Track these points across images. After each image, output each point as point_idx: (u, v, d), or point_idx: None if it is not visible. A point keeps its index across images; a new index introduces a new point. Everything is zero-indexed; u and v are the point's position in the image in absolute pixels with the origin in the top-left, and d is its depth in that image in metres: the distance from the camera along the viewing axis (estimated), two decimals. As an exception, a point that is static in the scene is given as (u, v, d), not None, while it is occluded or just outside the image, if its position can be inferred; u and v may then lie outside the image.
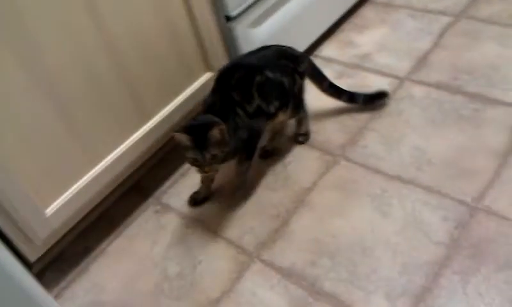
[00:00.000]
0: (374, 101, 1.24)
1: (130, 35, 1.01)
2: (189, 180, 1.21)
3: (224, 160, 1.02)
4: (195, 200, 1.17)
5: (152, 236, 1.11)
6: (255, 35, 1.26)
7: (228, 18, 1.19)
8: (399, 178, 1.07)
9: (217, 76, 1.08)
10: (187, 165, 1.24)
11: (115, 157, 1.06)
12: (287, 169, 1.17)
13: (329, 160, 1.16)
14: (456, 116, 1.16)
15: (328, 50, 1.46)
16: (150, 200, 1.20)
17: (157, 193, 1.21)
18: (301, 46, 1.38)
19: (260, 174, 1.17)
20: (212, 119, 0.99)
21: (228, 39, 1.21)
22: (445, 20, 1.44)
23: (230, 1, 1.16)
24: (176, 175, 1.24)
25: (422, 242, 0.95)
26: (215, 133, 0.96)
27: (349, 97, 1.23)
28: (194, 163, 1.01)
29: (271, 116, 1.10)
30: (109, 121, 1.03)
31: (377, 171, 1.10)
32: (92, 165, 1.03)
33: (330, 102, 1.25)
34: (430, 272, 0.91)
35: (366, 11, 1.57)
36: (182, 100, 1.15)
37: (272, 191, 1.14)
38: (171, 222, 1.13)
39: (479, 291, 0.86)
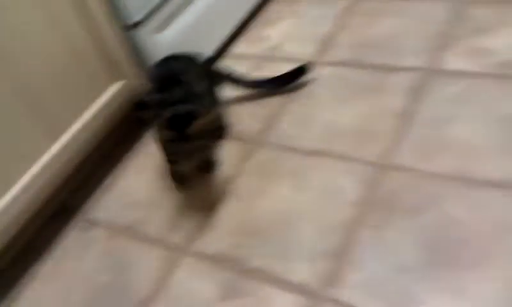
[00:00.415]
0: (296, 77, 1.30)
1: (28, 54, 1.02)
2: (114, 191, 1.23)
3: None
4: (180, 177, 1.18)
5: (80, 253, 1.12)
6: (162, 40, 1.29)
7: (131, 26, 1.21)
8: (313, 153, 1.13)
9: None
10: (110, 178, 1.26)
11: (25, 181, 1.04)
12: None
13: (249, 148, 1.21)
14: (360, 88, 1.24)
15: (240, 47, 1.52)
16: (77, 218, 1.20)
17: (84, 210, 1.21)
18: (211, 46, 1.44)
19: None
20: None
21: (134, 47, 1.23)
22: (344, 2, 1.54)
23: (129, 9, 1.18)
24: (102, 188, 1.25)
25: (336, 205, 1.01)
26: (196, 126, 0.97)
27: (271, 84, 1.30)
28: (176, 156, 1.05)
29: None
30: (13, 147, 1.02)
31: (293, 150, 1.16)
32: (2, 192, 1.01)
33: (243, 93, 1.31)
34: (346, 230, 0.96)
35: (273, 6, 1.64)
36: (92, 113, 1.16)
37: (197, 185, 1.17)
38: (99, 236, 1.14)
39: (393, 239, 0.92)
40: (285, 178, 1.11)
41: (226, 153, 1.21)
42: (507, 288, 0.79)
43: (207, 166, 1.18)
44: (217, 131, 1.22)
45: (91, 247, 1.12)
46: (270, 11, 1.63)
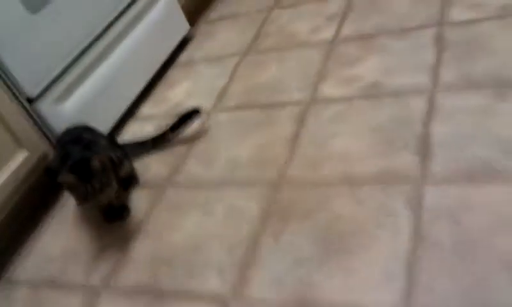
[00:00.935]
0: (189, 119, 1.42)
1: None
2: (33, 252, 1.25)
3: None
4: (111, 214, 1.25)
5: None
6: (64, 110, 1.37)
7: (31, 99, 1.29)
8: (217, 185, 1.23)
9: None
10: (29, 241, 1.28)
11: None
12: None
13: (158, 191, 1.29)
14: (254, 125, 1.38)
15: (145, 109, 1.64)
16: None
17: (4, 275, 1.23)
18: (114, 112, 1.54)
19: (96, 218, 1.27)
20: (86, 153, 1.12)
21: (36, 118, 1.31)
22: (235, 59, 1.72)
23: (26, 83, 1.26)
24: (21, 251, 1.27)
25: (240, 224, 1.11)
26: (96, 161, 1.07)
27: (171, 132, 1.42)
28: (87, 198, 1.08)
29: None
30: None
31: (200, 187, 1.25)
32: None
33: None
34: (249, 242, 1.05)
35: (172, 71, 1.79)
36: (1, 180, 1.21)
37: (110, 230, 1.23)
38: (21, 294, 1.15)
39: (291, 241, 1.02)
40: (193, 211, 1.19)
41: (137, 199, 1.29)
42: (388, 264, 0.91)
43: (120, 212, 1.25)
44: (128, 181, 1.31)
45: (15, 305, 1.14)
46: (170, 75, 1.78)
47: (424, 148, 1.10)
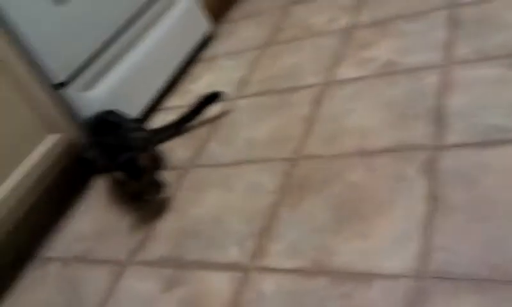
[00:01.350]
0: (209, 103, 1.49)
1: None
2: (65, 232, 1.31)
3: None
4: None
5: (37, 286, 1.18)
6: (91, 97, 1.44)
7: (58, 85, 1.36)
8: (237, 163, 1.28)
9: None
10: (61, 221, 1.35)
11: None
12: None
13: (182, 172, 1.34)
14: (272, 108, 1.42)
15: (169, 101, 1.70)
16: (32, 260, 1.27)
17: (38, 252, 1.29)
18: (140, 102, 1.60)
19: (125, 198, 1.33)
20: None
21: (64, 104, 1.38)
22: (256, 52, 1.77)
23: (54, 70, 1.33)
24: (53, 231, 1.33)
25: (258, 197, 1.14)
26: (143, 159, 1.18)
27: (193, 114, 1.49)
28: (139, 194, 1.20)
29: None
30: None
31: (220, 165, 1.30)
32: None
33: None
34: (268, 212, 1.09)
35: (196, 67, 1.85)
36: (27, 166, 1.27)
37: (138, 209, 1.27)
38: (53, 269, 1.22)
39: (307, 210, 1.05)
40: (214, 188, 1.24)
41: (165, 180, 1.33)
42: (403, 227, 0.93)
43: (156, 189, 1.28)
44: (158, 165, 1.37)
45: (47, 279, 1.20)
46: (194, 70, 1.83)
47: (439, 119, 1.12)
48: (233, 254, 1.04)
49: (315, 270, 0.93)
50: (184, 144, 1.45)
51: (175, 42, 1.78)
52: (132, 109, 1.55)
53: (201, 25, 1.93)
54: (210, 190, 1.24)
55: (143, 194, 1.25)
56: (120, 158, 1.20)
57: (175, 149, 1.44)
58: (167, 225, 1.20)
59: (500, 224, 0.85)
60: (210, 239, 1.10)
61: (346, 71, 1.43)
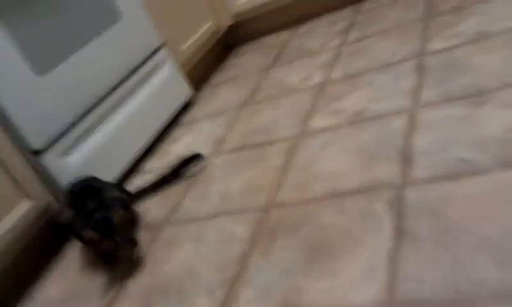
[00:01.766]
0: (189, 163, 1.51)
1: None
2: (35, 299, 1.27)
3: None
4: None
5: None
6: (69, 163, 1.45)
7: (37, 151, 1.37)
8: (210, 217, 1.26)
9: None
10: (31, 284, 1.31)
11: None
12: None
13: (156, 231, 1.32)
14: (247, 162, 1.43)
15: (148, 164, 1.71)
16: None
17: None
18: (118, 167, 1.61)
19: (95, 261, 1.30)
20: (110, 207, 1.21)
21: (40, 170, 1.38)
22: (233, 112, 1.81)
23: (31, 136, 1.35)
24: (23, 299, 1.29)
25: (231, 246, 1.12)
26: (117, 217, 1.17)
27: (172, 176, 1.50)
28: (113, 252, 1.20)
29: None
30: None
31: (194, 220, 1.28)
32: None
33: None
34: (240, 261, 1.06)
35: (176, 131, 1.88)
36: (4, 228, 1.26)
37: (108, 271, 1.24)
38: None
39: (278, 255, 1.03)
40: (187, 243, 1.21)
41: (139, 238, 1.30)
42: (371, 262, 0.91)
43: (130, 247, 1.25)
44: (134, 223, 1.36)
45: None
46: (174, 133, 1.87)
47: (406, 157, 1.12)
48: (202, 304, 1.00)
49: (284, 314, 0.89)
50: (159, 203, 1.45)
51: (156, 107, 1.83)
52: (109, 172, 1.57)
53: (183, 90, 1.99)
54: (182, 245, 1.22)
55: (116, 253, 1.23)
56: (95, 217, 1.19)
57: (150, 209, 1.44)
58: (138, 284, 1.16)
59: (463, 252, 0.83)
60: (180, 293, 1.06)
61: (319, 122, 1.46)
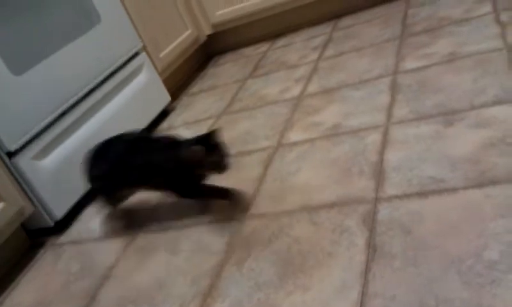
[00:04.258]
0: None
1: None
2: (6, 302, 1.26)
3: None
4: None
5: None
6: (42, 166, 1.43)
7: (10, 153, 1.36)
8: (186, 226, 1.26)
9: None
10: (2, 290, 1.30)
11: None
12: (90, 255, 1.31)
13: (130, 239, 1.31)
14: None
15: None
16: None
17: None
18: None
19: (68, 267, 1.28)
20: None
21: (13, 173, 1.36)
22: (210, 121, 1.82)
23: (7, 137, 1.34)
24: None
25: (204, 257, 1.13)
26: (217, 134, 1.18)
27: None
28: (213, 169, 1.18)
29: None
30: None
31: (169, 229, 1.28)
32: None
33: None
34: (213, 273, 1.07)
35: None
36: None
37: (80, 279, 1.24)
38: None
39: (252, 267, 1.04)
40: (161, 251, 1.21)
41: (107, 248, 1.31)
42: (343, 277, 0.93)
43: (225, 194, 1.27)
44: None
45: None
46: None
47: (379, 173, 1.15)
48: (174, 316, 1.00)
49: (256, 327, 0.90)
50: (134, 209, 1.44)
51: (133, 113, 1.82)
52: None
53: (161, 97, 1.99)
54: (155, 254, 1.21)
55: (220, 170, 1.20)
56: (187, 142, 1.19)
57: (123, 217, 1.43)
58: (108, 293, 1.15)
59: (432, 268, 0.85)
60: (152, 304, 1.06)
61: (295, 134, 1.48)
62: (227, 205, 1.26)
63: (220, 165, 1.19)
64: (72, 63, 1.60)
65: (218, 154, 1.18)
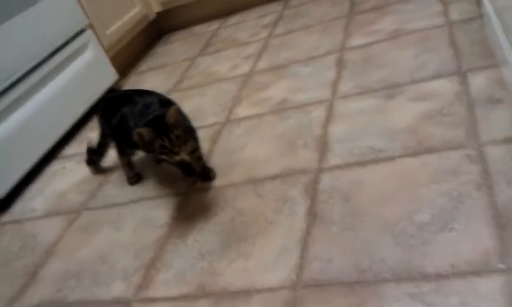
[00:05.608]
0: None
1: None
2: None
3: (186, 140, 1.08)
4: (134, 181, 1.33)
5: None
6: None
7: None
8: (130, 202, 1.25)
9: None
10: None
11: None
12: (32, 233, 1.27)
13: (74, 216, 1.28)
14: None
15: (70, 148, 1.66)
16: None
17: None
18: (35, 153, 1.54)
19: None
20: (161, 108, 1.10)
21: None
22: (163, 90, 1.78)
23: None
24: None
25: (149, 231, 1.12)
26: (170, 115, 1.04)
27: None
28: (163, 151, 1.04)
29: None
30: None
31: (114, 205, 1.26)
32: None
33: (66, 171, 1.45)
34: (157, 245, 1.06)
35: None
36: None
37: (19, 257, 1.21)
38: None
39: (194, 239, 1.04)
40: (105, 228, 1.19)
41: (50, 225, 1.28)
42: (284, 244, 0.94)
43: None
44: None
45: None
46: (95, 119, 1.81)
47: (322, 145, 1.17)
48: (117, 289, 0.99)
49: (198, 295, 0.90)
50: (78, 187, 1.41)
51: (78, 91, 1.76)
52: (26, 157, 1.50)
53: (108, 75, 1.93)
54: (100, 230, 1.19)
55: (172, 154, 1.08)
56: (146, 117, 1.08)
57: (67, 195, 1.40)
58: (51, 270, 1.13)
59: (368, 232, 0.88)
60: (96, 278, 1.04)
61: (243, 110, 1.48)
62: (175, 180, 1.26)
63: (172, 152, 1.06)
64: (11, 40, 1.53)
65: (170, 139, 1.04)
